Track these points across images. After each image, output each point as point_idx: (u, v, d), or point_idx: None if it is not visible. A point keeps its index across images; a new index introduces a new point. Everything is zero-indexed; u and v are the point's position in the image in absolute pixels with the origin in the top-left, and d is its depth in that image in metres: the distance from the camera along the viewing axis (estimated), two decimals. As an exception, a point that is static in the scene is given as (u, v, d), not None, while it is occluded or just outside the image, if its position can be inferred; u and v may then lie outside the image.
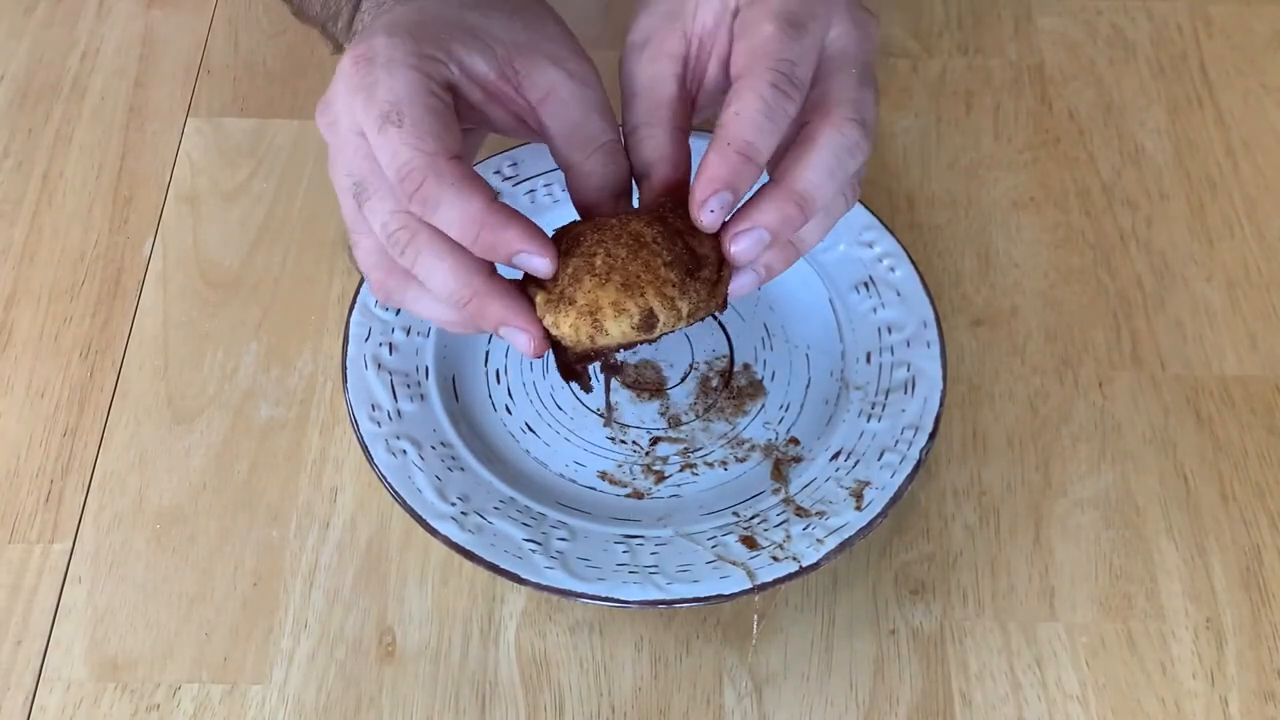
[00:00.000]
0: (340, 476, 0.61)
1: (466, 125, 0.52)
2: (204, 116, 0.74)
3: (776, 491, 0.59)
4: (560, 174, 0.68)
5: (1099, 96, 0.77)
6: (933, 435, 0.59)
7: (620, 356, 0.62)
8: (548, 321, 0.49)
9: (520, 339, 0.50)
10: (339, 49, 0.60)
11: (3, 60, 0.77)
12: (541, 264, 0.48)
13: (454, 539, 0.56)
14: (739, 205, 0.50)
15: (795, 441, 0.61)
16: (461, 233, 0.48)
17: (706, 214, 0.49)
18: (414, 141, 0.48)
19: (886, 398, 0.61)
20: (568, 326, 0.49)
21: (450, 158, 0.48)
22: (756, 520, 0.58)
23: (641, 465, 0.61)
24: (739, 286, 0.51)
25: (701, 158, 0.49)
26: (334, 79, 0.51)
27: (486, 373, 0.63)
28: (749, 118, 0.49)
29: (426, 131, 0.48)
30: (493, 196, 0.48)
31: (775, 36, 0.50)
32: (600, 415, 0.62)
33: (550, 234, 0.50)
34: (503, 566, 0.55)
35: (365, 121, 0.49)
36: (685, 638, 0.57)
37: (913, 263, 0.64)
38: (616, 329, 0.48)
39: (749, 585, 0.55)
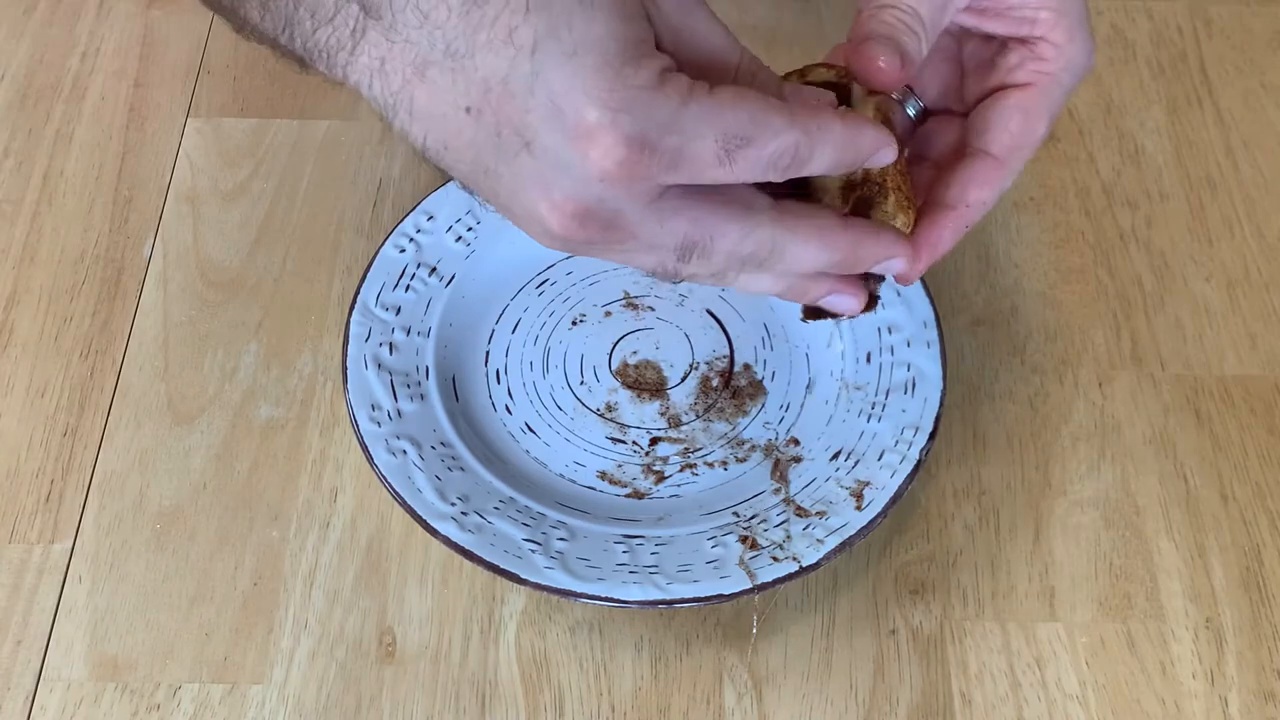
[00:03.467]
0: (340, 477, 0.61)
1: None
2: (204, 116, 0.74)
3: (776, 491, 0.59)
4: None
5: (1099, 96, 0.77)
6: (933, 435, 0.59)
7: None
8: None
9: (898, 265, 0.48)
10: (303, 66, 0.46)
11: (3, 60, 0.77)
12: (900, 265, 0.48)
13: (454, 539, 0.56)
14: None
15: (795, 441, 0.61)
16: (820, 262, 0.46)
17: (917, 276, 0.49)
18: (743, 215, 0.44)
19: (886, 398, 0.61)
20: None
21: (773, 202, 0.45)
22: (756, 520, 0.58)
23: (641, 465, 0.61)
24: None
25: (932, 221, 0.50)
26: (576, 169, 0.41)
27: (486, 373, 0.63)
28: (987, 206, 0.50)
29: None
30: (833, 211, 0.47)
31: (1039, 141, 0.51)
32: (599, 414, 0.63)
33: None
34: (503, 566, 0.55)
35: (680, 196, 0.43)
36: (685, 638, 0.57)
37: (913, 263, 0.64)
38: None
39: (749, 585, 0.55)
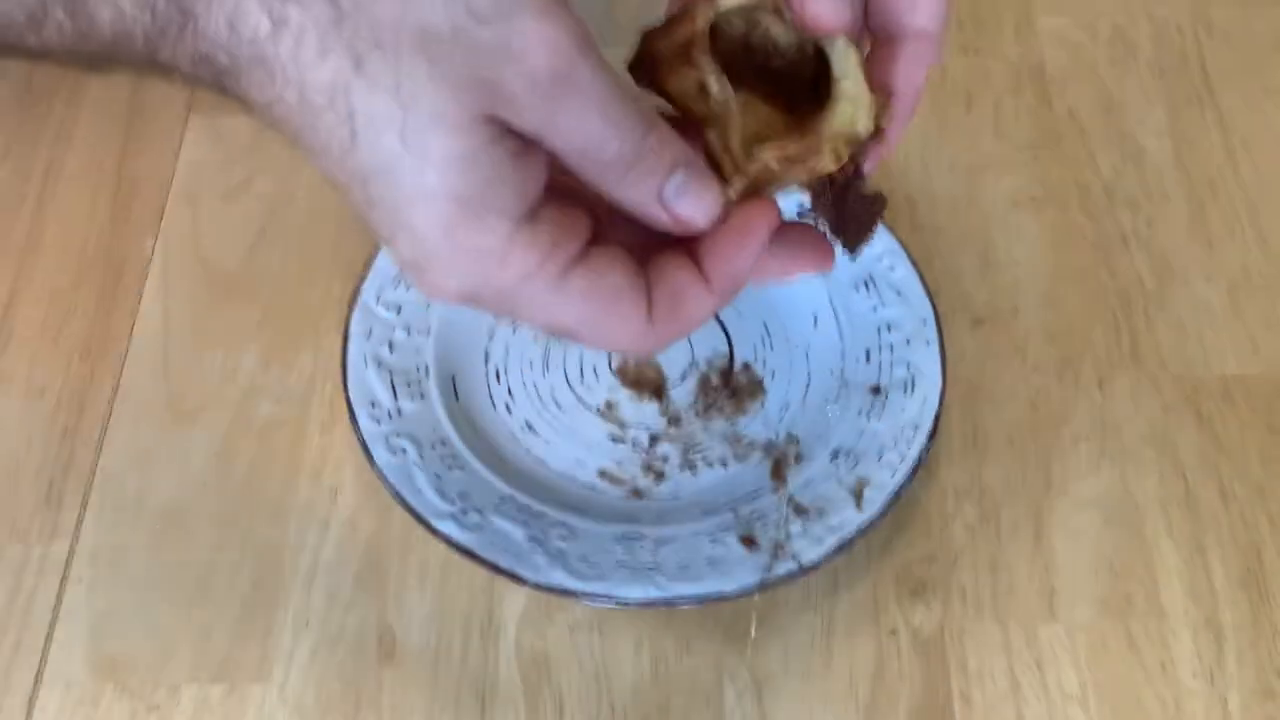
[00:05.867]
0: (340, 476, 0.61)
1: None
2: (205, 115, 0.74)
3: (776, 490, 0.59)
4: None
5: (1099, 97, 0.77)
6: (933, 434, 0.59)
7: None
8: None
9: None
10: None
11: (3, 60, 0.77)
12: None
13: (454, 538, 0.56)
14: None
15: (795, 440, 0.61)
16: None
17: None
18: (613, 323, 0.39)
19: (886, 397, 0.61)
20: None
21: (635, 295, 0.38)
22: (756, 519, 0.58)
23: (641, 464, 0.61)
24: None
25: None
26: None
27: (486, 371, 0.63)
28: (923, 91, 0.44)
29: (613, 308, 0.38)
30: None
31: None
32: (599, 413, 0.63)
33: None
34: (503, 566, 0.55)
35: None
36: (685, 638, 0.57)
37: (912, 261, 0.65)
38: None
39: (749, 584, 0.55)
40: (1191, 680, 0.56)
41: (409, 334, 0.63)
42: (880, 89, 0.42)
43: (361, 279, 0.64)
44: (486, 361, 0.64)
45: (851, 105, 0.41)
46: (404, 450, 0.58)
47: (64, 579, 0.58)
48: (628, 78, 0.42)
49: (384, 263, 0.64)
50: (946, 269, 0.69)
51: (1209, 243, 0.71)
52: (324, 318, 0.66)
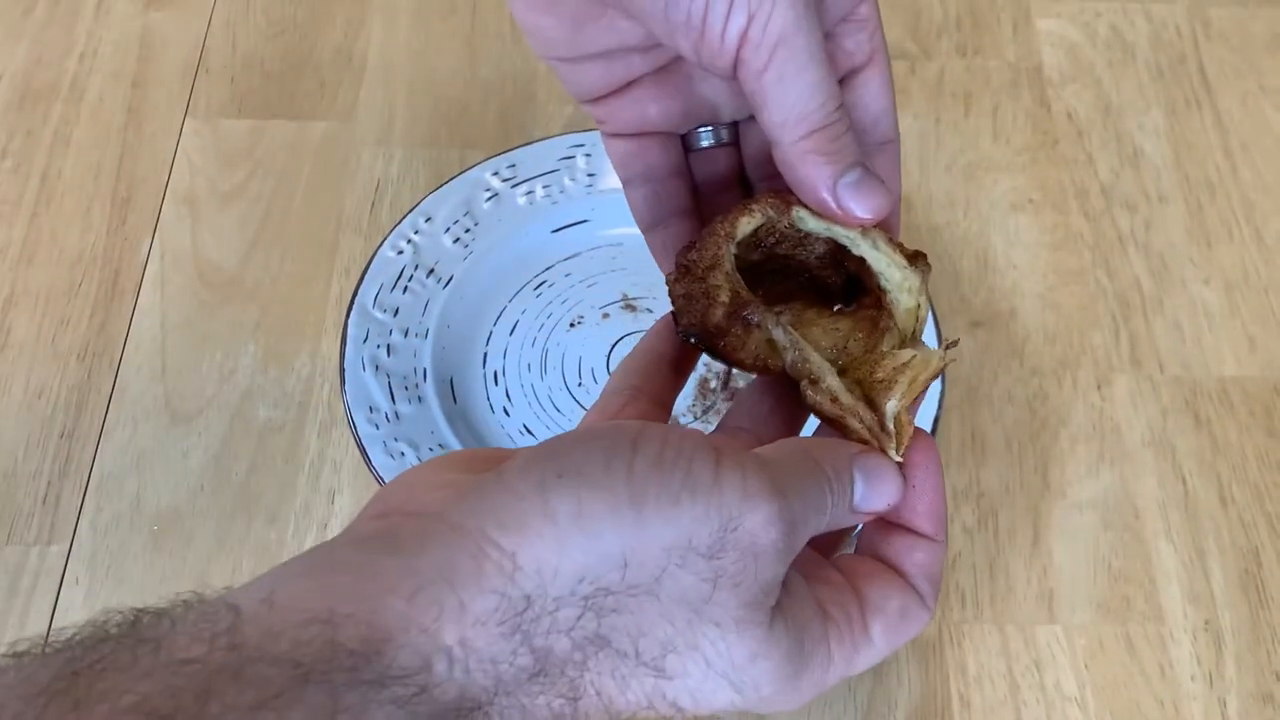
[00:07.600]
0: (338, 478, 0.61)
1: None
2: (202, 117, 0.74)
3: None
4: (555, 174, 0.68)
5: (1098, 98, 0.77)
6: (931, 437, 0.59)
7: None
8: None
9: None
10: None
11: (1, 60, 0.76)
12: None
13: (452, 541, 0.55)
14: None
15: (794, 443, 0.61)
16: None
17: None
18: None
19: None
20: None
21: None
22: (755, 522, 0.57)
23: (640, 467, 0.61)
24: None
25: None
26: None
27: (484, 374, 0.63)
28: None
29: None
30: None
31: None
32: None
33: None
34: (501, 568, 0.55)
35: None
36: (683, 640, 0.57)
37: (911, 264, 0.64)
38: None
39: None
40: (1190, 683, 0.56)
41: (406, 337, 0.62)
42: (914, 257, 0.44)
43: (359, 281, 0.64)
44: (484, 364, 0.64)
45: (908, 295, 0.44)
46: (402, 454, 0.58)
47: (61, 580, 0.58)
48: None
49: (381, 265, 0.64)
50: (944, 271, 0.69)
51: (1207, 244, 0.70)
52: (322, 319, 0.66)
